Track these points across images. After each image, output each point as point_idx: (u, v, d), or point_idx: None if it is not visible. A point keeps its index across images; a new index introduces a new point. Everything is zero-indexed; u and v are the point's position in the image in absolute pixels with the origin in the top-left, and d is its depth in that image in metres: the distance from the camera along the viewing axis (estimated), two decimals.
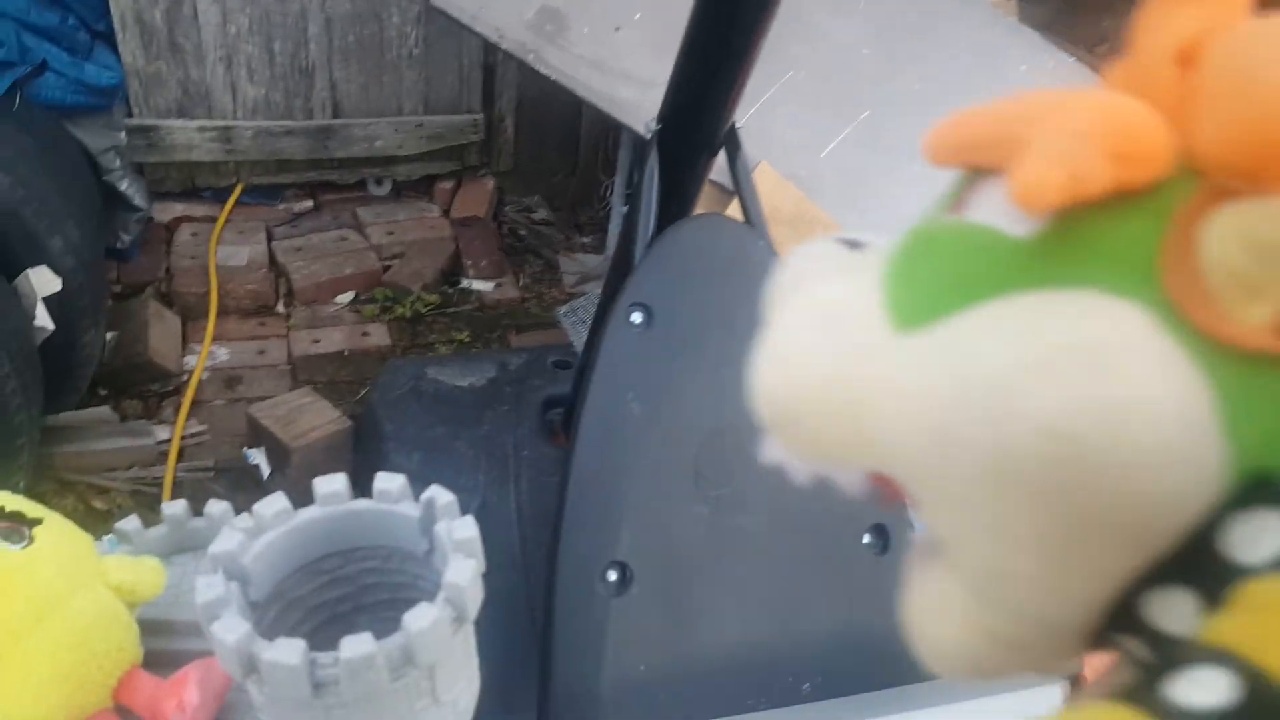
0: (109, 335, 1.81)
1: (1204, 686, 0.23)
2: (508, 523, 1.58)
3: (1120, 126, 0.25)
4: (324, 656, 0.48)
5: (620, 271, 1.44)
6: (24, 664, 0.53)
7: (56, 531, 0.57)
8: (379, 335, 2.18)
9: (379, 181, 2.49)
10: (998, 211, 0.27)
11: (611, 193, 2.39)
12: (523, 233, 2.58)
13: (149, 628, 0.62)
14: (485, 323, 2.30)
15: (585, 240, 2.61)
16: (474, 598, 0.52)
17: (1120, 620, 0.27)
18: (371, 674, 0.48)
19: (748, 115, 1.62)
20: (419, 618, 0.49)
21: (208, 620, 0.49)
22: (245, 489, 1.77)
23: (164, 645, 0.63)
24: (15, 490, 0.61)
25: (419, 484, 1.75)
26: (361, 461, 1.84)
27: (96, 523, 1.56)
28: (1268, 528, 0.24)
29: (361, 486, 1.92)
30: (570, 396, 1.77)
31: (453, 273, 2.39)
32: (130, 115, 2.16)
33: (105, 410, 1.73)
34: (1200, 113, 0.25)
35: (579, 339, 2.06)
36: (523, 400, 1.89)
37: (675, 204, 1.28)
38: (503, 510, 1.63)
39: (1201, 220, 0.24)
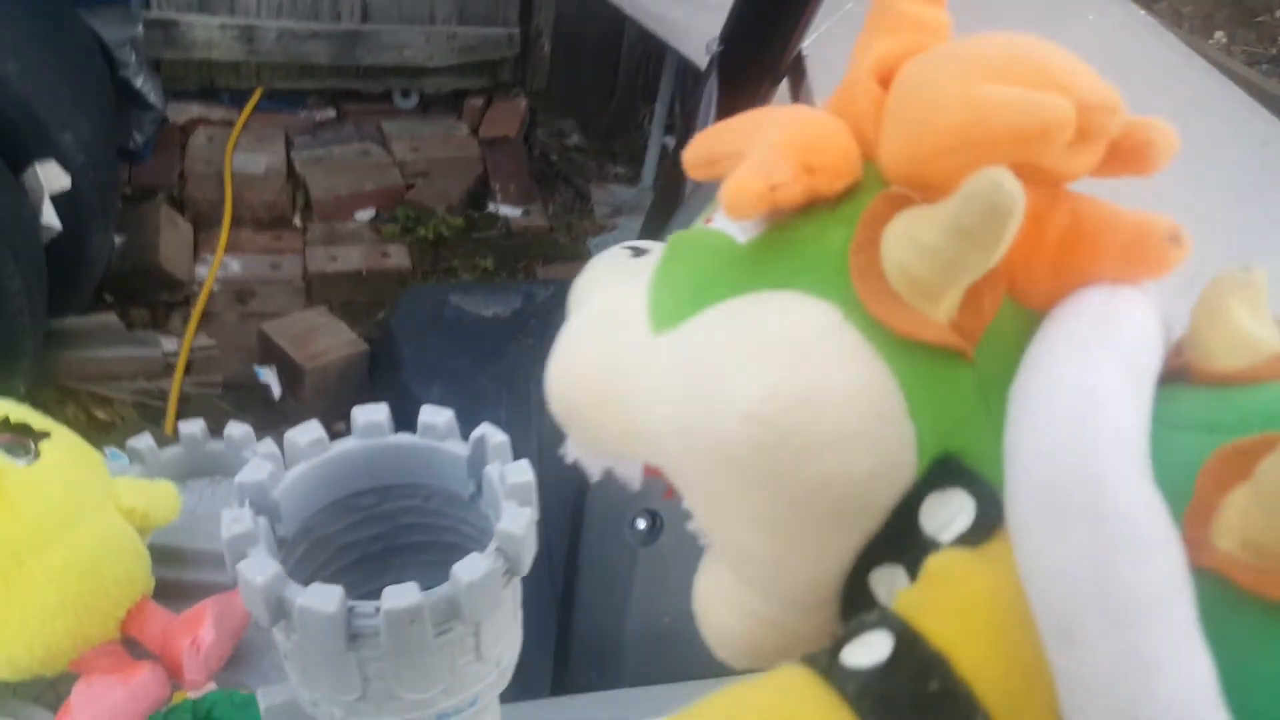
0: (118, 239, 1.72)
1: (869, 647, 0.25)
2: (525, 459, 1.51)
3: (811, 140, 0.28)
4: (364, 606, 0.40)
5: (668, 205, 1.35)
6: (28, 589, 0.47)
7: (65, 447, 0.50)
8: (399, 257, 2.09)
9: (405, 94, 2.37)
10: (729, 220, 0.30)
11: (650, 121, 2.27)
12: (554, 158, 2.47)
13: (160, 556, 0.56)
14: (511, 251, 2.20)
15: (619, 170, 2.49)
16: (528, 549, 0.44)
17: (857, 599, 0.29)
18: (415, 627, 0.41)
19: (803, 46, 1.50)
20: (470, 569, 0.41)
21: (234, 557, 0.42)
22: (254, 408, 1.70)
23: (176, 575, 0.55)
24: (16, 397, 0.53)
25: None
26: (377, 388, 1.77)
27: (98, 434, 1.49)
28: (948, 503, 0.26)
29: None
30: None
31: (479, 196, 2.29)
32: (149, 8, 2.04)
33: (111, 317, 1.65)
34: (885, 128, 0.28)
35: None
36: (549, 335, 1.79)
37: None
38: (523, 449, 1.52)
39: (883, 225, 0.26)
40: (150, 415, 1.58)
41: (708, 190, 1.17)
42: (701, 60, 1.75)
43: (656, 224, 1.39)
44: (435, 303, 1.81)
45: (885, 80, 0.28)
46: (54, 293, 1.44)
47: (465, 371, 1.67)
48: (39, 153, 1.39)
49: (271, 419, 1.67)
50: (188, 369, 1.68)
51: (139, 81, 1.98)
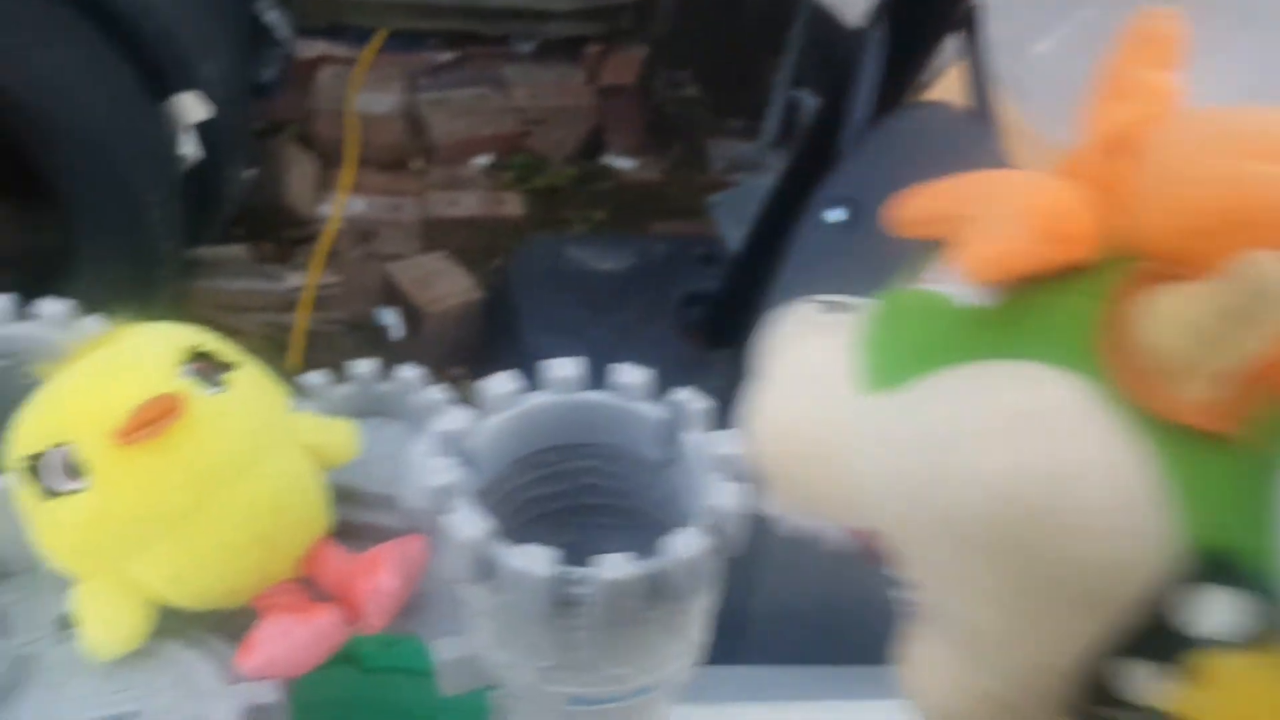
0: (249, 173, 1.74)
1: None
2: None
3: (1049, 208, 0.27)
4: (576, 572, 0.38)
5: (810, 162, 1.29)
6: (216, 523, 0.46)
7: (252, 379, 0.49)
8: (513, 205, 2.08)
9: (525, 38, 2.34)
10: (956, 283, 0.30)
11: (776, 74, 2.20)
12: (670, 110, 2.42)
13: (332, 495, 0.54)
14: (624, 204, 2.17)
15: (738, 125, 2.43)
16: (741, 527, 0.41)
17: (1097, 692, 0.28)
18: (626, 600, 0.38)
19: None
20: (684, 545, 0.39)
21: (438, 509, 0.40)
22: (374, 349, 1.71)
23: (346, 515, 0.54)
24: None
25: None
26: (491, 336, 1.77)
27: None
28: (1216, 600, 0.25)
29: (489, 363, 1.84)
30: (716, 293, 1.65)
31: (593, 146, 2.26)
32: None
33: (241, 250, 1.68)
34: (1138, 200, 0.27)
35: (730, 232, 1.91)
36: (663, 292, 1.77)
37: (893, 89, 1.11)
38: None
39: (1135, 300, 0.26)
40: (274, 348, 1.61)
41: (856, 165, 1.11)
42: (843, 10, 1.67)
43: (793, 189, 1.34)
44: (552, 254, 1.79)
45: (1118, 148, 0.28)
46: (189, 224, 1.46)
47: (580, 324, 1.66)
48: (180, 83, 1.41)
49: (389, 361, 1.68)
50: (312, 305, 1.71)
51: (269, 16, 1.99)
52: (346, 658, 0.54)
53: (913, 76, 1.11)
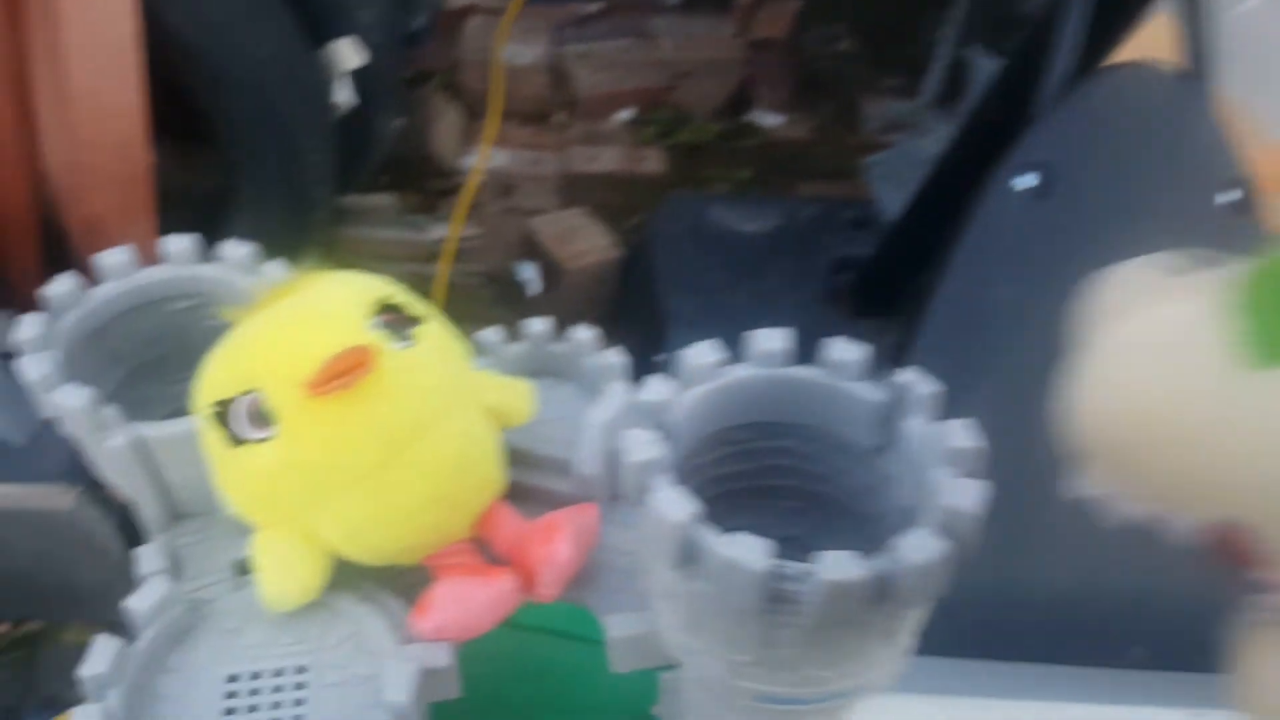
0: (398, 122, 1.75)
1: None
2: None
3: None
4: (794, 568, 0.34)
5: (990, 124, 1.20)
6: (398, 479, 0.44)
7: (437, 334, 0.47)
8: (655, 161, 2.03)
9: None
10: None
11: (938, 29, 2.08)
12: (822, 65, 2.32)
13: (506, 457, 0.52)
14: (770, 162, 2.10)
15: (894, 83, 2.31)
16: (974, 530, 0.36)
17: None
18: (846, 602, 0.34)
19: None
20: (917, 547, 0.34)
21: (642, 485, 0.36)
22: (511, 303, 1.71)
23: (518, 478, 0.52)
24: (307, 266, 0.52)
25: (690, 332, 1.61)
26: (628, 296, 1.74)
27: None
28: None
29: (623, 323, 1.80)
30: (869, 260, 1.57)
31: (740, 101, 2.19)
32: None
33: (388, 199, 1.70)
34: None
35: (886, 196, 1.82)
36: (811, 257, 1.70)
37: (1095, 47, 1.01)
38: None
39: None
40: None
41: (1051, 129, 1.01)
42: None
43: (968, 154, 1.25)
44: (694, 213, 1.74)
45: None
46: (339, 171, 1.47)
47: (720, 288, 1.61)
48: (338, 29, 1.41)
49: (525, 316, 1.67)
50: (453, 257, 1.71)
51: None
52: (513, 621, 0.52)
53: (1120, 34, 1.01)
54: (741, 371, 0.42)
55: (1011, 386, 0.97)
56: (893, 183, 1.86)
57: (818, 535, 0.51)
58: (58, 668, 1.15)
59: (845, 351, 0.42)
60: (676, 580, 0.39)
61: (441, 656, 0.45)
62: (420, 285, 1.65)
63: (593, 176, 1.97)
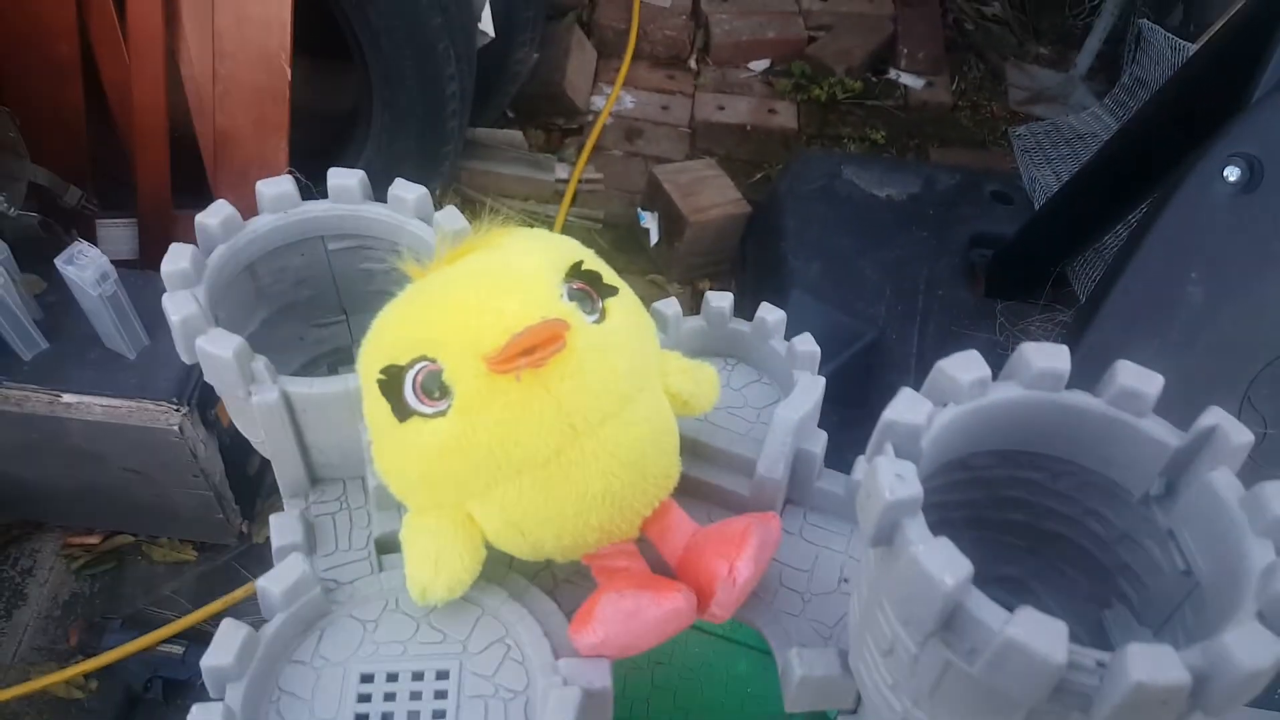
0: (534, 56, 1.68)
1: None
2: (904, 368, 1.35)
3: None
4: (1087, 656, 0.27)
5: (1180, 108, 1.08)
6: (574, 470, 0.39)
7: (629, 309, 0.42)
8: (786, 115, 1.93)
9: None
10: None
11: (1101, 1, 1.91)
12: (969, 27, 2.18)
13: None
14: (905, 126, 1.98)
15: (1043, 51, 2.16)
16: None
17: None
18: (1149, 707, 0.27)
19: None
20: (1250, 646, 0.27)
21: (890, 526, 0.30)
22: (629, 251, 1.65)
23: (689, 472, 0.46)
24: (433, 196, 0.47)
25: (812, 297, 1.51)
26: (751, 254, 1.66)
27: None
28: None
29: (747, 284, 1.70)
30: (1013, 238, 1.46)
31: (881, 59, 2.06)
32: None
33: (518, 135, 1.64)
34: None
35: (1029, 171, 1.70)
36: (947, 229, 1.60)
37: None
38: (900, 352, 1.39)
39: None
40: None
41: (1265, 119, 0.90)
42: None
43: (1149, 137, 1.13)
44: (827, 172, 1.65)
45: None
46: (475, 102, 1.42)
47: (849, 253, 1.52)
48: None
49: (642, 264, 1.61)
50: (573, 199, 1.65)
51: None
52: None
53: None
54: (1009, 392, 0.35)
55: (1199, 394, 0.88)
56: (1037, 158, 1.73)
57: (1039, 580, 0.44)
58: (145, 585, 1.15)
59: (1136, 380, 0.35)
60: (926, 646, 0.32)
61: (599, 677, 0.40)
62: (539, 224, 1.60)
63: (722, 126, 1.89)
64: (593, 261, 0.41)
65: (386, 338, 0.39)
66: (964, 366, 0.34)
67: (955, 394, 0.34)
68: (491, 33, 1.32)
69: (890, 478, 0.31)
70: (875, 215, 1.58)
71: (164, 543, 1.18)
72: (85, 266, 0.90)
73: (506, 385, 0.36)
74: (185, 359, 0.43)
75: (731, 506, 0.47)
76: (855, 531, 0.49)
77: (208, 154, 1.15)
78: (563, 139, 1.77)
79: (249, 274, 0.48)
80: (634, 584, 0.41)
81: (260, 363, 0.42)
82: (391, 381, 0.38)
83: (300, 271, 0.50)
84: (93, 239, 1.15)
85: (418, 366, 0.37)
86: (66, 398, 0.98)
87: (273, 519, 0.44)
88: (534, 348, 0.35)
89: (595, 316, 0.39)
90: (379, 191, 0.49)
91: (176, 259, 0.44)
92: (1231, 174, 0.89)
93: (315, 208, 0.48)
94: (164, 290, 0.43)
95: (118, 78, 1.11)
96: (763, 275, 1.58)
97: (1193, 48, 1.56)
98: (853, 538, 0.48)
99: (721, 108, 1.91)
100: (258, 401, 0.42)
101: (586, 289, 0.39)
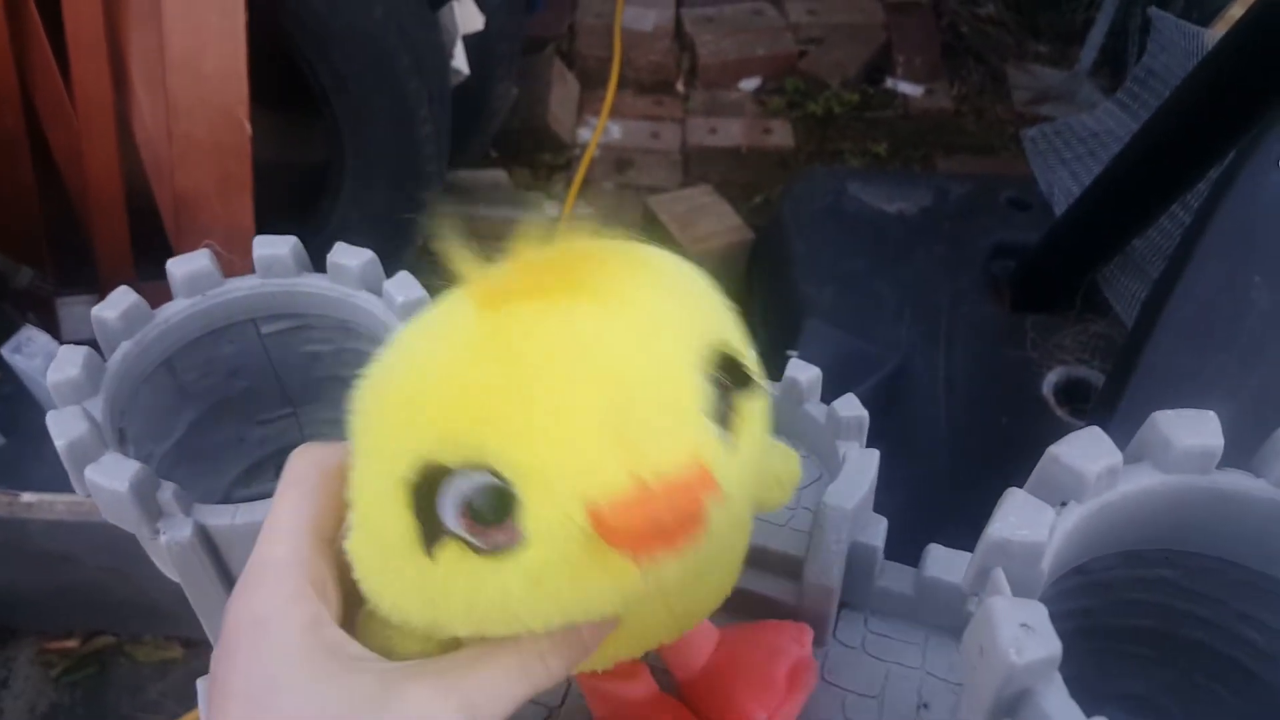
0: (514, 91, 1.61)
1: None
2: (931, 396, 1.26)
3: None
4: None
5: (1211, 100, 1.00)
6: (660, 614, 0.30)
7: (760, 417, 0.27)
8: (782, 134, 1.85)
9: None
10: None
11: None
12: (964, 30, 2.10)
13: None
14: (908, 135, 1.90)
15: (1043, 50, 2.08)
16: None
17: None
18: None
19: None
20: None
21: (1018, 694, 0.21)
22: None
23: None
24: (413, 247, 0.35)
25: (827, 325, 1.42)
26: (758, 282, 1.58)
27: None
28: None
29: (756, 317, 1.62)
30: (1037, 246, 1.38)
31: (877, 69, 1.99)
32: None
33: (502, 175, 1.56)
34: None
35: (1045, 174, 1.62)
36: (964, 242, 1.51)
37: None
38: (927, 378, 1.30)
39: None
40: None
41: None
42: None
43: (1172, 139, 1.05)
44: (831, 190, 1.56)
45: None
46: (452, 143, 1.34)
47: (864, 275, 1.43)
48: None
49: None
50: None
51: None
52: None
53: None
54: (1144, 479, 0.26)
55: (1274, 412, 0.79)
56: (1052, 160, 1.65)
57: (1174, 696, 0.35)
58: (130, 689, 1.06)
59: None
60: None
61: None
62: None
63: (715, 150, 1.81)
64: (739, 340, 0.27)
65: (424, 414, 0.24)
66: (1087, 452, 0.25)
67: (1078, 490, 0.25)
68: (466, 70, 1.24)
69: (1014, 631, 0.22)
70: (887, 232, 1.50)
71: (147, 641, 1.09)
72: (34, 355, 0.82)
73: (609, 554, 0.23)
74: (79, 492, 0.34)
75: (775, 615, 0.38)
76: (932, 639, 0.39)
77: (168, 218, 1.07)
78: (550, 175, 1.69)
79: (167, 371, 0.40)
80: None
81: (168, 492, 0.33)
82: (426, 488, 0.24)
83: (231, 362, 0.41)
84: (54, 319, 1.07)
85: (474, 478, 0.23)
86: (26, 497, 0.90)
87: (200, 684, 0.35)
88: (672, 526, 0.22)
89: (728, 436, 0.25)
90: (356, 245, 0.40)
91: (64, 366, 0.35)
92: None
93: (239, 286, 0.39)
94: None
95: (68, 146, 1.04)
96: (773, 305, 1.50)
97: (1206, 33, 1.48)
98: (929, 648, 0.39)
99: (714, 131, 1.83)
100: (167, 542, 0.33)
101: (728, 388, 0.26)
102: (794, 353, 0.45)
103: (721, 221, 1.57)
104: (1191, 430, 0.26)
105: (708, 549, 0.24)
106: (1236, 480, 0.27)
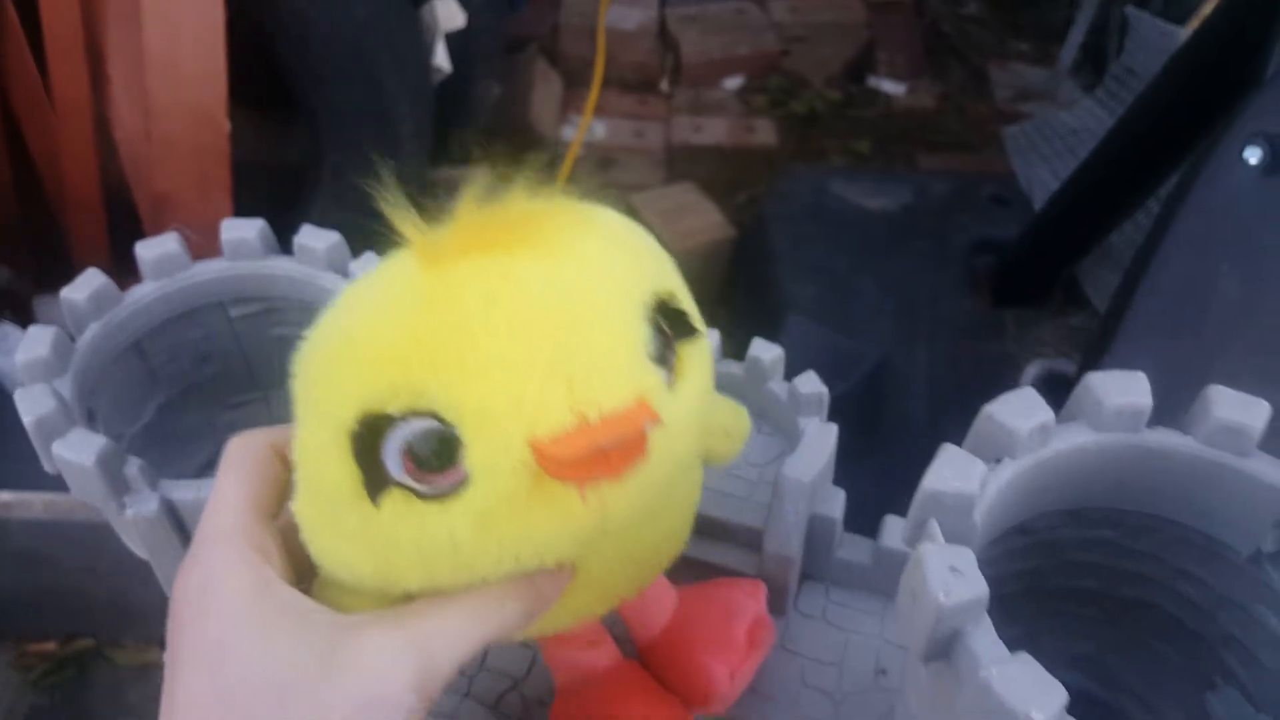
0: (496, 90, 1.62)
1: None
2: (912, 391, 1.27)
3: None
4: None
5: (1184, 92, 1.01)
6: (591, 572, 0.29)
7: (703, 364, 0.28)
8: (765, 133, 1.86)
9: None
10: None
11: None
12: (945, 28, 2.12)
13: None
14: (890, 133, 1.91)
15: (1024, 48, 2.10)
16: None
17: None
18: None
19: None
20: None
21: (949, 635, 0.22)
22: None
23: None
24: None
25: (809, 321, 1.43)
26: (740, 279, 1.59)
27: None
28: None
29: (739, 313, 1.63)
30: (1018, 242, 1.39)
31: (860, 67, 2.00)
32: None
33: (484, 172, 1.57)
34: None
35: (1026, 171, 1.63)
36: (945, 238, 1.52)
37: None
38: (908, 373, 1.31)
39: None
40: None
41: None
42: None
43: (1145, 131, 1.06)
44: (813, 188, 1.58)
45: None
46: (434, 141, 1.35)
47: (845, 272, 1.45)
48: None
49: None
50: None
51: None
52: None
53: None
54: (1078, 438, 0.27)
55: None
56: (1033, 157, 1.67)
57: (1121, 657, 0.36)
58: (110, 693, 1.06)
59: (1237, 411, 0.27)
60: None
61: None
62: None
63: (699, 149, 1.82)
64: (681, 291, 0.28)
65: (375, 365, 0.24)
66: (1020, 410, 0.26)
67: (1011, 446, 0.26)
68: (448, 67, 1.25)
69: (943, 574, 0.22)
70: (869, 229, 1.51)
71: (128, 644, 1.09)
72: (9, 352, 0.83)
73: (551, 490, 0.24)
74: (48, 469, 0.35)
75: (727, 587, 0.39)
76: (890, 608, 0.40)
77: (147, 218, 1.07)
78: (533, 174, 1.70)
79: (136, 354, 0.40)
80: (619, 698, 0.33)
81: (134, 466, 0.34)
82: (369, 437, 0.24)
83: (200, 346, 0.42)
84: (32, 319, 1.07)
85: (416, 425, 0.24)
86: (3, 496, 0.90)
87: None
88: (613, 455, 0.23)
89: (669, 376, 0.26)
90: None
91: (33, 345, 0.36)
92: (1253, 155, 0.81)
93: (207, 269, 0.40)
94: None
95: (46, 146, 1.04)
96: (755, 302, 1.51)
97: (1182, 31, 1.50)
98: (887, 616, 0.40)
99: (698, 129, 1.84)
100: (133, 515, 0.33)
101: (669, 336, 0.27)
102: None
103: (705, 219, 1.58)
104: (1122, 390, 0.27)
105: (654, 484, 0.25)
106: (1165, 438, 0.28)
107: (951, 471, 0.25)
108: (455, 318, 0.23)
